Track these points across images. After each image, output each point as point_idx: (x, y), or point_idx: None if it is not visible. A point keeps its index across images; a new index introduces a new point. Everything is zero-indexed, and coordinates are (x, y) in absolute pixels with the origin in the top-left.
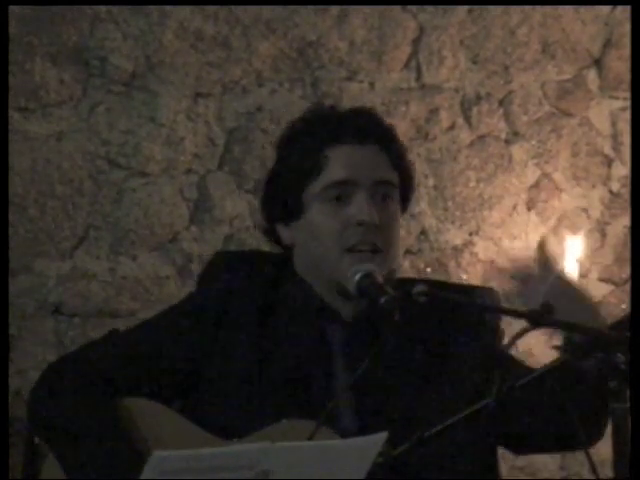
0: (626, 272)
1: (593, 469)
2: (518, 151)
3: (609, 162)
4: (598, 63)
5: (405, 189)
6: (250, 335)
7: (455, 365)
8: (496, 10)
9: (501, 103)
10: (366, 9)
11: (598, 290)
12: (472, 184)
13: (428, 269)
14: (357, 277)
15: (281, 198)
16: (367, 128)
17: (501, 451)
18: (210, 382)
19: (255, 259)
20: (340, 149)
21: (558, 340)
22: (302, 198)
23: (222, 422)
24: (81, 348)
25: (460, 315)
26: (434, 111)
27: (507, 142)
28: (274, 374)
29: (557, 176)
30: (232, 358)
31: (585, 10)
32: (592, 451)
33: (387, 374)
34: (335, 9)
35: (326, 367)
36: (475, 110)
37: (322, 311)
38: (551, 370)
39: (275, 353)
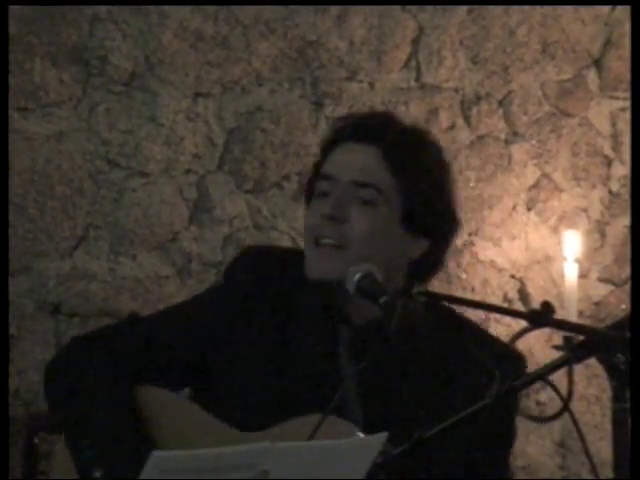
0: (626, 272)
1: (593, 469)
2: (518, 151)
3: (609, 162)
4: (598, 63)
5: (407, 200)
6: (269, 331)
7: (455, 380)
8: (496, 10)
9: (501, 103)
10: (366, 9)
11: (598, 290)
12: (472, 184)
13: None
14: (357, 277)
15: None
16: (367, 128)
17: None
18: (226, 374)
19: (284, 256)
20: (339, 147)
21: (558, 340)
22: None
23: (234, 415)
24: (101, 330)
25: (484, 352)
26: (434, 111)
27: (507, 142)
28: (288, 372)
29: (557, 176)
30: (250, 352)
31: (585, 10)
32: (592, 451)
33: (393, 373)
34: (335, 9)
35: (334, 366)
36: (475, 110)
37: (332, 311)
38: (551, 370)
39: (290, 352)
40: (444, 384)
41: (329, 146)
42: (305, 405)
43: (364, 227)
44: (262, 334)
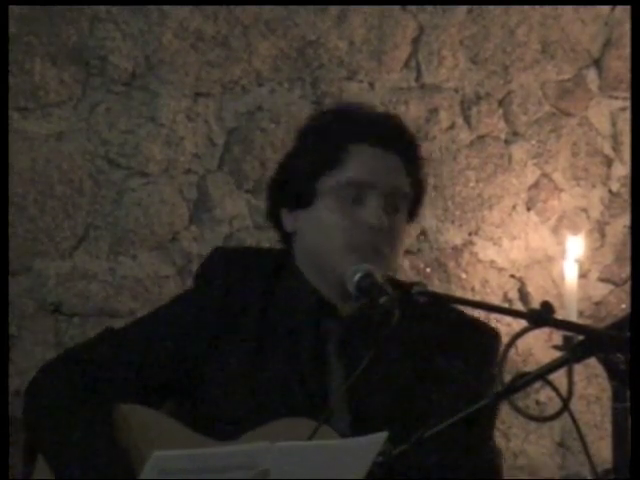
0: (626, 272)
1: (593, 469)
2: (518, 151)
3: (609, 162)
4: (598, 63)
5: (415, 202)
6: (249, 332)
7: (446, 373)
8: (496, 10)
9: (501, 103)
10: (366, 9)
11: (598, 290)
12: (472, 184)
13: (428, 269)
14: (357, 277)
15: (293, 183)
16: (392, 135)
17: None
18: (208, 380)
19: (253, 254)
20: (363, 148)
21: (558, 340)
22: (315, 187)
23: (219, 421)
24: (77, 347)
25: (459, 329)
26: (433, 111)
27: (507, 142)
28: (271, 370)
29: (557, 176)
30: (230, 355)
31: (585, 10)
32: (592, 451)
33: (383, 374)
34: (335, 9)
35: (321, 363)
36: (475, 110)
37: (318, 306)
38: (551, 370)
39: (273, 349)
40: (430, 373)
41: (341, 143)
42: (291, 405)
43: (397, 233)
44: (242, 337)
